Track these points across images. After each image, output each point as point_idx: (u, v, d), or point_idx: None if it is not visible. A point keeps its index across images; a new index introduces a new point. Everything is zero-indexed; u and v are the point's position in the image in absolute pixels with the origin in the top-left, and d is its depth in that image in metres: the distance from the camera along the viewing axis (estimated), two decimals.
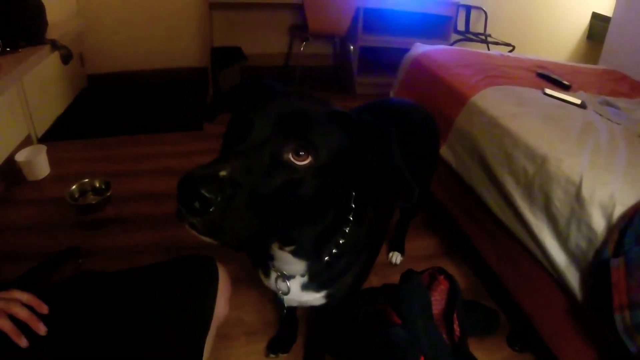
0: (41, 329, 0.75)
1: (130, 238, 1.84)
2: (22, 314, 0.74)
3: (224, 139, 0.68)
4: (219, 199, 0.52)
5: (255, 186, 0.57)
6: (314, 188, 0.64)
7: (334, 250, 0.86)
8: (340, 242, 0.86)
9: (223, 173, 0.54)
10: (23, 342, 0.72)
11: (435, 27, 3.66)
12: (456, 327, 1.28)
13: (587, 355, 1.22)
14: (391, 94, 2.40)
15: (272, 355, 1.39)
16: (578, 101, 1.77)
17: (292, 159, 0.61)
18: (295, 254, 0.82)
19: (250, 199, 0.56)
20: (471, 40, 3.78)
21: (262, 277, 0.99)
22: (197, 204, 0.52)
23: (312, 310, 1.49)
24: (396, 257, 1.84)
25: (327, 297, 0.96)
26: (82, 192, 2.07)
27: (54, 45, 2.49)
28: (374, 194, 0.92)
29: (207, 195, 0.51)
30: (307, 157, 0.62)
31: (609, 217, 1.14)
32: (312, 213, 0.71)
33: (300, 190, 0.63)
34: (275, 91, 0.70)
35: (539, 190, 1.34)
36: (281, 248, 0.81)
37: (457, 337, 1.26)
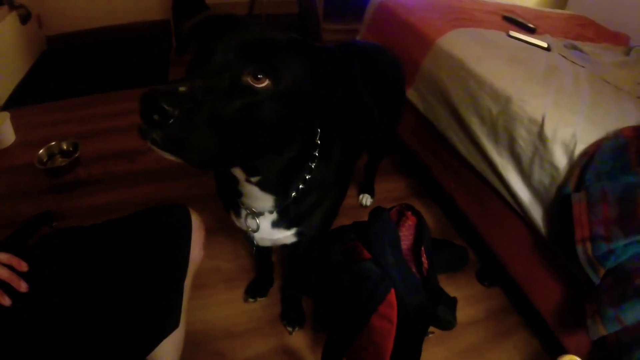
0: (22, 286, 0.75)
1: (104, 197, 1.82)
2: (2, 273, 0.75)
3: (187, 67, 0.69)
4: (176, 112, 0.54)
5: (215, 106, 0.59)
6: (275, 113, 0.66)
7: (300, 186, 0.88)
8: (307, 177, 0.88)
9: (182, 89, 0.56)
10: (6, 301, 0.73)
11: None
12: (424, 260, 1.32)
13: (552, 288, 1.27)
14: (357, 39, 2.34)
15: (250, 300, 1.43)
16: (544, 44, 1.76)
17: (250, 81, 0.63)
18: (261, 186, 0.84)
19: (210, 118, 0.58)
20: None
21: (234, 217, 1.01)
22: (156, 117, 0.53)
23: (286, 253, 1.53)
24: (366, 199, 1.89)
25: (298, 234, 0.99)
26: (50, 155, 2.02)
27: (12, 5, 2.38)
28: (337, 125, 0.93)
29: (165, 107, 0.53)
30: (265, 80, 0.64)
31: (570, 155, 1.17)
32: (274, 141, 0.72)
33: (260, 113, 0.64)
34: (238, 22, 0.70)
35: (504, 130, 1.36)
36: (248, 180, 0.82)
37: (425, 271, 1.31)
